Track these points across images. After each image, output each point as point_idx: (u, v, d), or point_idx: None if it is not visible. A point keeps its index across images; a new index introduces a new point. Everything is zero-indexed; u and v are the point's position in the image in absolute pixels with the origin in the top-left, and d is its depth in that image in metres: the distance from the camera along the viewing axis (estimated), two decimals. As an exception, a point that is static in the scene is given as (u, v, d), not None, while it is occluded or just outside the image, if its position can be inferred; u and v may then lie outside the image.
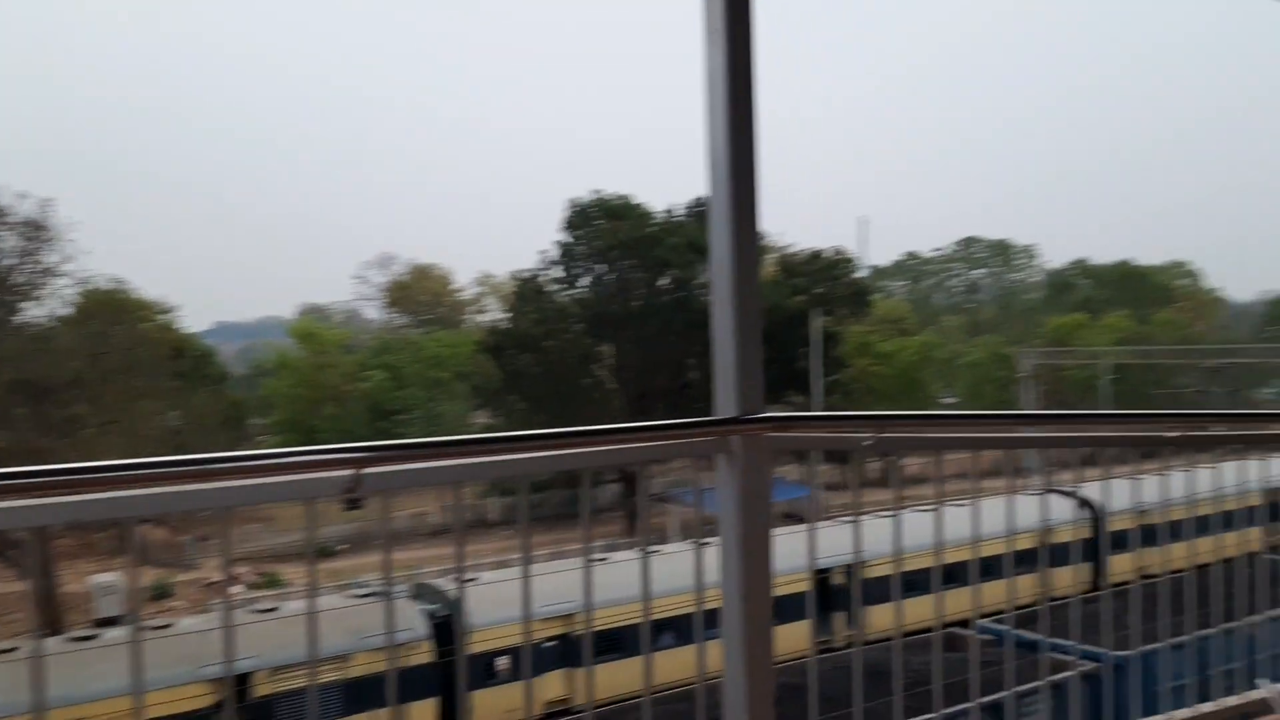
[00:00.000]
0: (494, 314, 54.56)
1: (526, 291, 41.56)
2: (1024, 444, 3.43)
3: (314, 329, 49.67)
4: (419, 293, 61.88)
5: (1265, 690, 4.20)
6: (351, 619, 14.81)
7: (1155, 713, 4.32)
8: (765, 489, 2.85)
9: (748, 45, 2.84)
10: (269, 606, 19.56)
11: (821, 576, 23.29)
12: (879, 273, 75.44)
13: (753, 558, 2.81)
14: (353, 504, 2.29)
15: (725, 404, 2.83)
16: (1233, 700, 4.12)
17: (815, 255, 41.37)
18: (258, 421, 46.14)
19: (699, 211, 40.82)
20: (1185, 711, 4.05)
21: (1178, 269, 77.64)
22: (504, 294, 51.10)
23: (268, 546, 34.03)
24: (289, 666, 15.69)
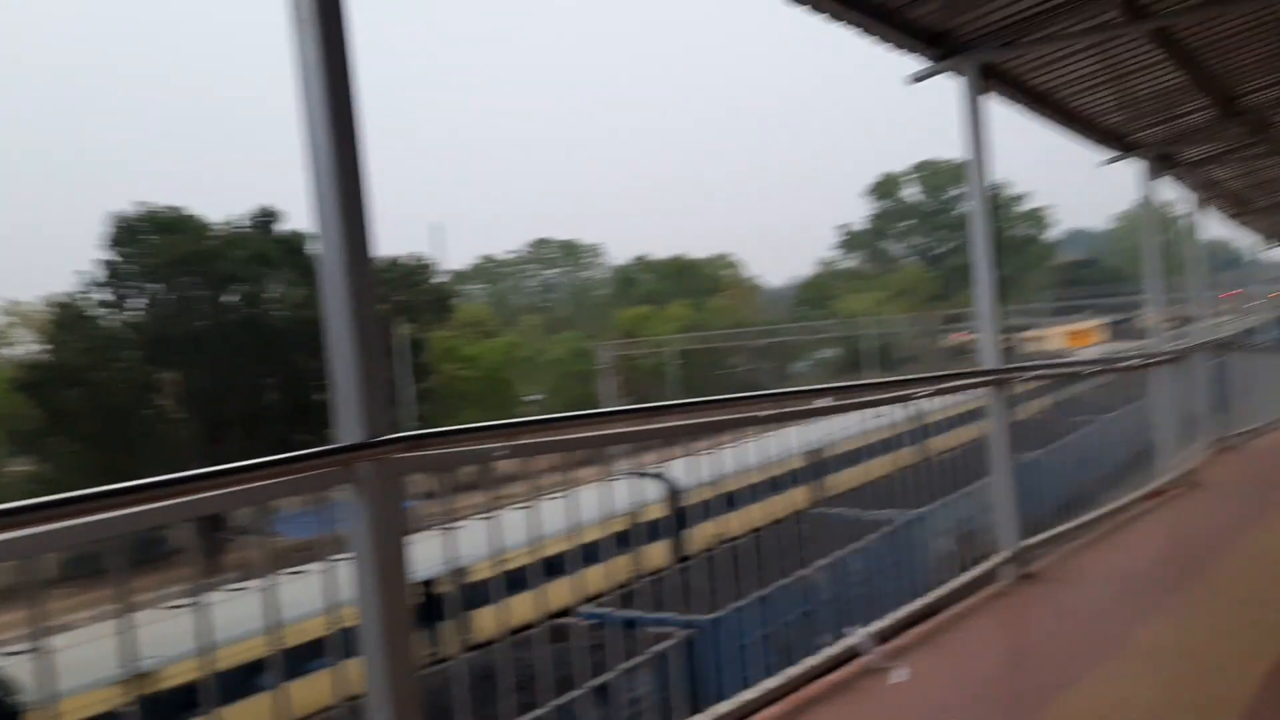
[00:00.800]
0: (28, 347, 47.75)
1: (66, 319, 36.86)
2: (648, 435, 3.51)
3: None
4: (-75, 328, 52.61)
5: (854, 636, 4.66)
6: None
7: (748, 664, 4.68)
8: (400, 515, 2.65)
9: (344, 35, 2.60)
10: None
11: (427, 587, 23.06)
12: (458, 277, 76.17)
13: (392, 586, 2.60)
14: None
15: (349, 427, 2.59)
16: (832, 650, 4.52)
17: (393, 262, 40.73)
18: None
19: (265, 221, 38.55)
20: (794, 669, 4.38)
21: (722, 260, 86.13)
22: (39, 323, 44.90)
23: None
24: None
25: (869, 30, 5.84)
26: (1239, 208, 15.12)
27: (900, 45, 6.16)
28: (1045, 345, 67.56)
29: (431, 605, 22.61)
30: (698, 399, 3.73)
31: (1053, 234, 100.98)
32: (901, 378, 5.30)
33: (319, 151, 2.57)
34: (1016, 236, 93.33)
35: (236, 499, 2.40)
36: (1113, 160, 9.80)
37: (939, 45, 6.24)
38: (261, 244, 36.75)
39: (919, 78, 6.40)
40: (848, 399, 4.90)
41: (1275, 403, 13.73)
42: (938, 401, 5.55)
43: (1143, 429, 8.79)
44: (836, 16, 5.59)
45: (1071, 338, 76.69)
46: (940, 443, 6.09)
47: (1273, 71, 9.06)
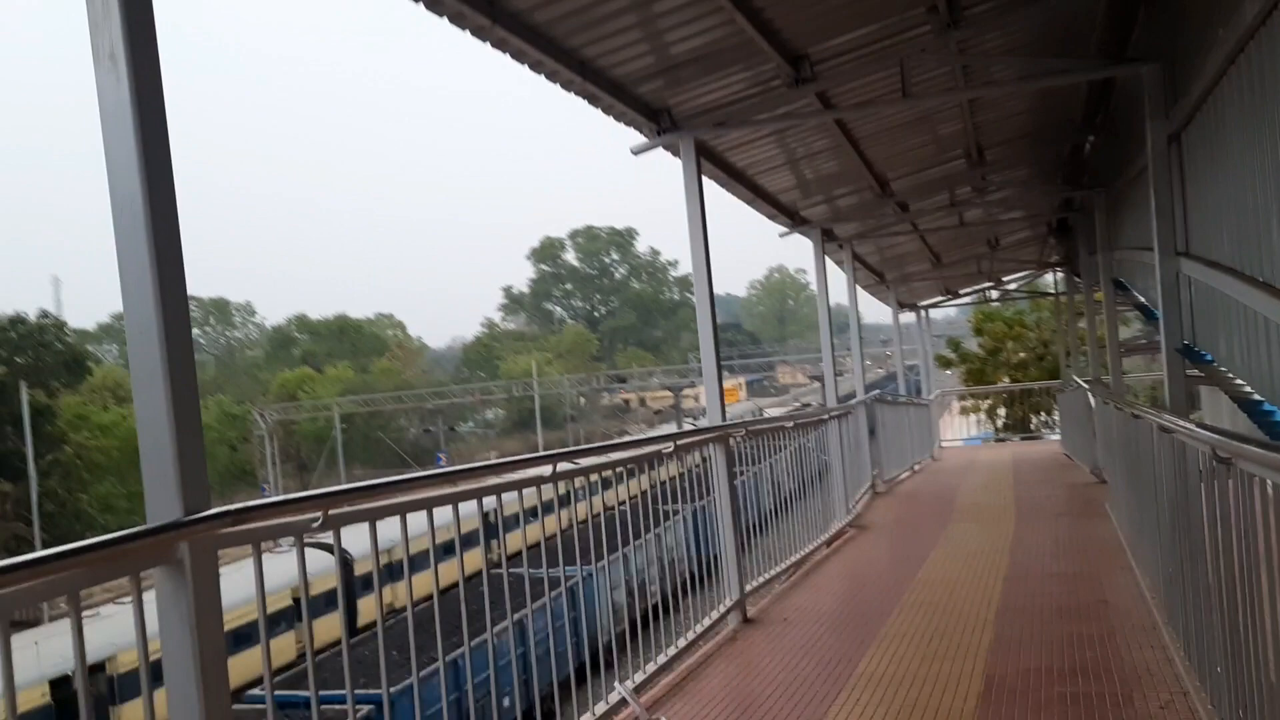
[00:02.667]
0: None
1: None
2: (471, 495, 3.46)
3: None
4: None
5: (620, 690, 4.73)
6: None
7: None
8: (218, 598, 2.41)
9: (156, 71, 2.39)
10: None
11: (62, 683, 20.37)
12: (82, 336, 68.88)
13: (215, 678, 2.35)
14: None
15: (164, 504, 2.33)
16: (600, 707, 4.56)
17: (18, 320, 35.96)
18: None
19: None
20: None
21: (387, 320, 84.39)
22: None
23: None
24: None
25: (598, 101, 6.10)
26: (874, 279, 17.12)
27: (624, 117, 6.49)
28: (701, 403, 71.84)
29: (64, 705, 19.99)
30: (506, 459, 3.68)
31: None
32: (639, 437, 5.48)
33: (127, 197, 2.32)
34: (670, 300, 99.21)
35: (46, 590, 2.09)
36: (788, 233, 10.80)
37: (658, 121, 6.64)
38: None
39: (641, 150, 6.76)
40: (587, 460, 4.98)
41: (908, 451, 15.56)
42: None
43: (786, 478, 9.48)
44: (569, 86, 5.80)
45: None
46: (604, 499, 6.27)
47: (912, 164, 10.45)
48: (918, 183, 10.91)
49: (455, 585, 4.20)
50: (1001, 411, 29.64)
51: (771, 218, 10.35)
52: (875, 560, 8.61)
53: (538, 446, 58.20)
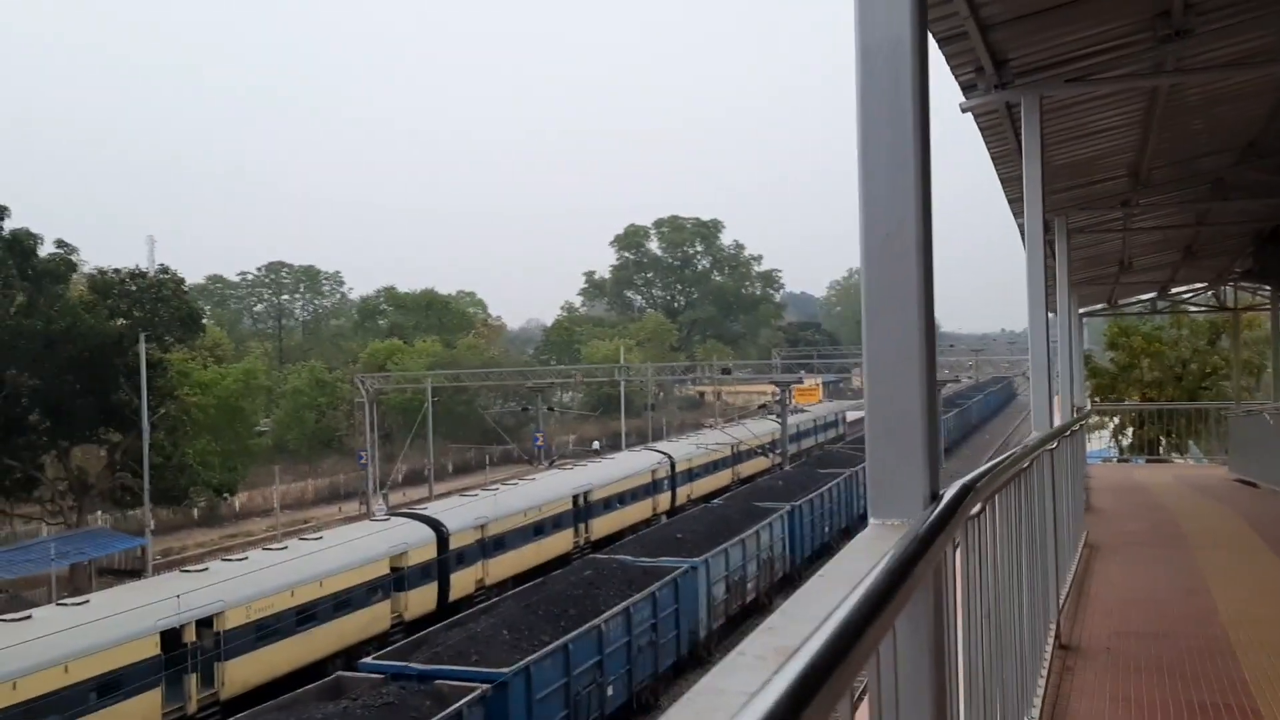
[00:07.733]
0: None
1: None
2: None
3: None
4: None
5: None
6: None
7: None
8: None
9: None
10: None
11: (171, 636, 20.22)
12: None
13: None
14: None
15: (916, 491, 1.66)
16: None
17: (138, 274, 36.10)
18: None
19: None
20: None
21: (468, 298, 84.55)
22: None
23: None
24: None
25: (960, 41, 5.35)
26: (1052, 281, 16.07)
27: (965, 67, 5.74)
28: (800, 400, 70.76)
29: (174, 657, 19.77)
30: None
31: (779, 296, 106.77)
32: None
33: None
34: (752, 295, 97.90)
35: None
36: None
37: (999, 73, 5.85)
38: None
39: (970, 108, 5.99)
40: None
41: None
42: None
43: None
44: (941, 20, 5.05)
45: (799, 395, 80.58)
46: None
47: (1179, 151, 9.48)
48: (1168, 176, 9.94)
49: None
50: (1129, 431, 28.27)
51: (1013, 201, 9.50)
52: (1143, 586, 7.76)
53: (620, 432, 57.55)
